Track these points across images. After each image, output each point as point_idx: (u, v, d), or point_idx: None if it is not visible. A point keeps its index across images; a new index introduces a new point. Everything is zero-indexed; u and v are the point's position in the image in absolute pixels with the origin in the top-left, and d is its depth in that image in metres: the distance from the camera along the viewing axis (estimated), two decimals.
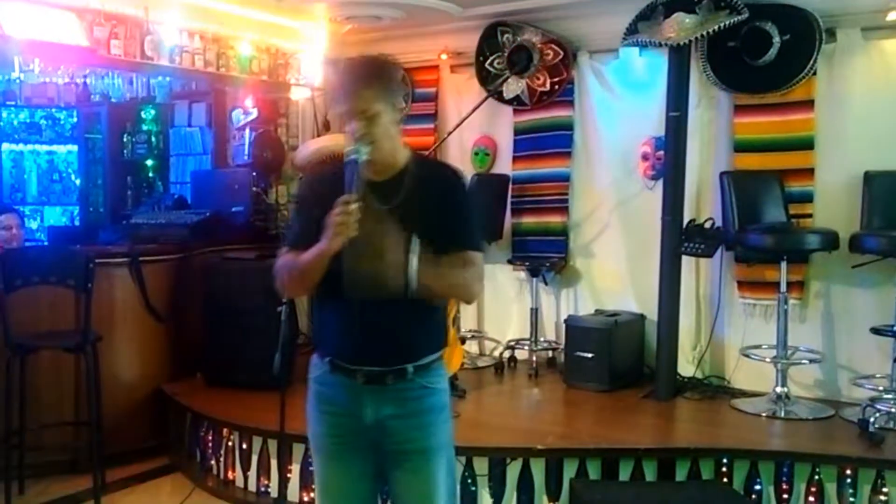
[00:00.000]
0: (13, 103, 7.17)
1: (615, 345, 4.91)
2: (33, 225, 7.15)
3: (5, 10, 4.35)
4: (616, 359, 4.91)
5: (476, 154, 5.94)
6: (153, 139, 6.88)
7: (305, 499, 4.00)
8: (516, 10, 5.46)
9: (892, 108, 4.53)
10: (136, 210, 6.26)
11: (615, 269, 5.44)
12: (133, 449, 4.63)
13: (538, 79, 5.53)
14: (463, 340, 5.39)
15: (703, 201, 5.06)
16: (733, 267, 4.96)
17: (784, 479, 3.76)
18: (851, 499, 3.67)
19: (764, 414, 4.38)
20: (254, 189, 5.88)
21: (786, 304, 4.48)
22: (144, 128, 6.91)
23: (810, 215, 4.72)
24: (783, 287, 4.48)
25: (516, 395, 5.05)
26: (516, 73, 5.53)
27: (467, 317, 5.69)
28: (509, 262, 5.67)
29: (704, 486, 3.79)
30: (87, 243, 4.94)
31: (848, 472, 3.69)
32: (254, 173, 6.02)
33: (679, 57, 4.70)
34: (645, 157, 5.27)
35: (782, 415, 4.36)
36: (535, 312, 5.50)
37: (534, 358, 5.41)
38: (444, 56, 5.96)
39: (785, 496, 3.76)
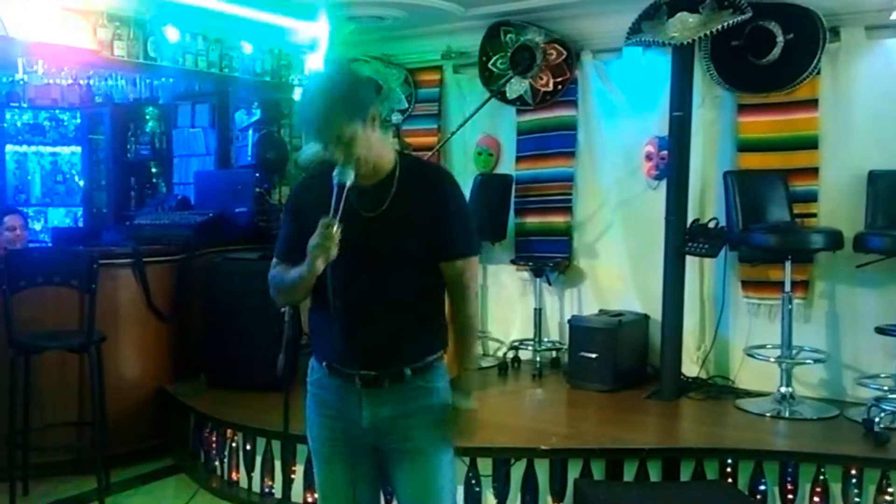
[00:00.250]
0: (17, 105, 7.18)
1: (619, 345, 4.91)
2: (37, 226, 7.16)
3: (9, 12, 4.36)
4: (620, 359, 4.91)
5: (479, 154, 5.94)
6: (156, 140, 6.89)
7: (309, 499, 4.00)
8: (519, 9, 5.46)
9: None
10: (140, 211, 6.27)
11: (619, 269, 5.43)
12: (137, 449, 4.64)
13: (541, 79, 5.53)
14: None
15: (707, 201, 5.05)
16: (737, 267, 4.95)
17: (789, 479, 3.75)
18: (857, 499, 3.66)
19: (768, 414, 4.37)
20: (257, 190, 5.87)
21: (790, 303, 4.47)
22: (148, 129, 6.91)
23: (815, 215, 4.72)
24: (787, 287, 4.47)
25: (520, 395, 5.05)
26: (519, 73, 5.52)
27: None
28: (513, 262, 5.67)
29: (709, 486, 3.79)
30: (91, 244, 4.93)
31: (853, 472, 3.68)
32: (257, 174, 6.03)
33: (683, 56, 4.69)
34: (648, 157, 5.26)
35: (787, 415, 4.35)
36: (538, 313, 5.50)
37: (537, 358, 5.40)
38: (446, 56, 5.96)
39: (790, 496, 3.74)
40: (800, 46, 4.60)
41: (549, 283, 5.58)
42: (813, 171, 4.72)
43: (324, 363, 2.29)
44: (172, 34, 5.03)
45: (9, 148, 7.24)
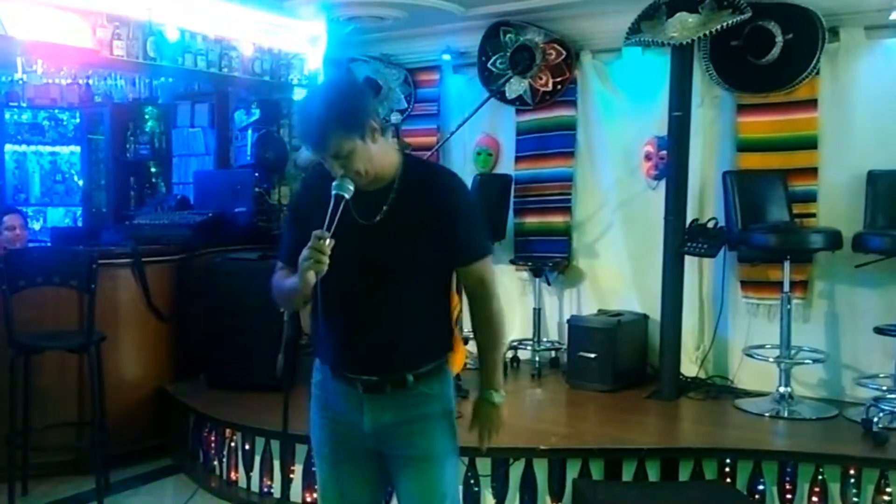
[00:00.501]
0: (16, 104, 7.17)
1: (618, 345, 4.91)
2: (36, 226, 7.15)
3: (8, 11, 4.36)
4: (619, 359, 4.91)
5: (478, 154, 5.95)
6: (156, 140, 6.89)
7: (308, 499, 4.00)
8: (519, 9, 5.46)
9: (895, 107, 4.52)
10: (139, 211, 6.27)
11: (618, 269, 5.44)
12: (136, 449, 4.64)
13: (541, 79, 5.53)
14: (465, 341, 5.38)
15: (707, 201, 5.06)
16: (736, 267, 4.95)
17: (787, 479, 3.75)
18: (855, 499, 3.66)
19: (767, 414, 4.37)
20: (256, 190, 5.88)
21: (789, 303, 4.47)
22: (147, 128, 6.91)
23: (814, 215, 4.72)
24: (786, 287, 4.47)
25: (519, 395, 5.04)
26: (519, 73, 5.53)
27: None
28: (512, 262, 5.67)
29: (708, 486, 3.79)
30: (90, 244, 4.92)
31: (851, 472, 3.68)
32: (256, 174, 6.02)
33: (682, 56, 4.69)
34: (648, 157, 5.27)
35: (786, 415, 4.36)
36: (537, 313, 5.50)
37: (537, 358, 5.41)
38: (446, 56, 5.96)
39: (788, 496, 3.74)
40: (799, 46, 4.60)
41: (549, 283, 5.59)
42: (812, 171, 4.72)
43: (326, 366, 2.28)
44: (172, 34, 5.02)
45: (8, 147, 7.23)
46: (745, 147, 4.91)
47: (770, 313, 4.81)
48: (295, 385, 3.67)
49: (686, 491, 3.74)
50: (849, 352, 4.66)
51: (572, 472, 3.81)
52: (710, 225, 4.70)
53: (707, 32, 4.55)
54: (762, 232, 4.45)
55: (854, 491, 3.66)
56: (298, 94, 6.23)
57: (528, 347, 5.53)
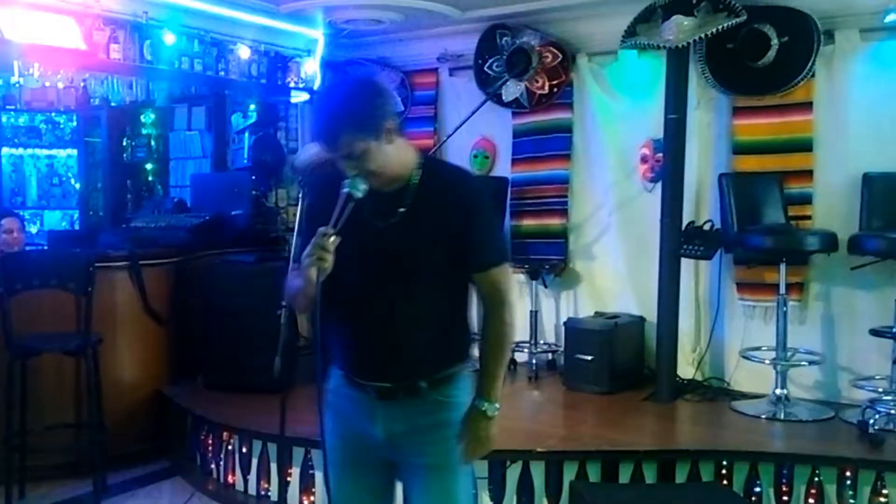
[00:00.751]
0: (13, 107, 7.18)
1: (615, 347, 4.91)
2: (33, 229, 7.15)
3: (5, 15, 4.36)
4: (616, 361, 4.91)
5: (475, 157, 5.95)
6: (153, 143, 6.90)
7: (305, 502, 4.00)
8: (515, 12, 5.46)
9: (890, 110, 4.53)
10: (136, 213, 6.29)
11: (615, 271, 5.44)
12: (133, 452, 4.64)
13: (537, 81, 5.54)
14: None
15: (703, 203, 5.06)
16: (733, 269, 4.96)
17: (784, 480, 3.76)
18: (851, 500, 3.67)
19: (764, 416, 4.38)
20: (253, 192, 5.89)
21: (785, 305, 4.48)
22: (144, 131, 6.93)
23: (809, 217, 4.73)
24: (783, 289, 4.48)
25: (516, 397, 5.05)
26: (515, 76, 5.53)
27: None
28: None
29: (704, 488, 3.79)
30: (87, 247, 4.93)
31: (848, 473, 3.69)
32: (253, 176, 6.03)
33: (678, 59, 4.70)
34: (644, 160, 5.27)
35: (782, 416, 4.36)
36: (534, 315, 5.50)
37: (533, 360, 5.41)
38: (442, 59, 5.97)
39: (785, 498, 3.75)
40: (794, 49, 4.61)
41: (545, 286, 5.59)
42: (808, 174, 4.73)
43: (340, 372, 2.24)
44: (169, 37, 5.03)
45: (5, 150, 7.24)
46: (740, 149, 4.92)
47: (766, 315, 4.82)
48: (292, 387, 3.66)
49: (683, 493, 3.74)
50: (845, 354, 4.66)
51: (569, 474, 3.81)
52: (707, 227, 4.71)
53: (703, 35, 4.56)
54: (758, 234, 4.46)
55: (850, 493, 3.67)
56: (295, 97, 6.24)
57: (525, 350, 5.52)
